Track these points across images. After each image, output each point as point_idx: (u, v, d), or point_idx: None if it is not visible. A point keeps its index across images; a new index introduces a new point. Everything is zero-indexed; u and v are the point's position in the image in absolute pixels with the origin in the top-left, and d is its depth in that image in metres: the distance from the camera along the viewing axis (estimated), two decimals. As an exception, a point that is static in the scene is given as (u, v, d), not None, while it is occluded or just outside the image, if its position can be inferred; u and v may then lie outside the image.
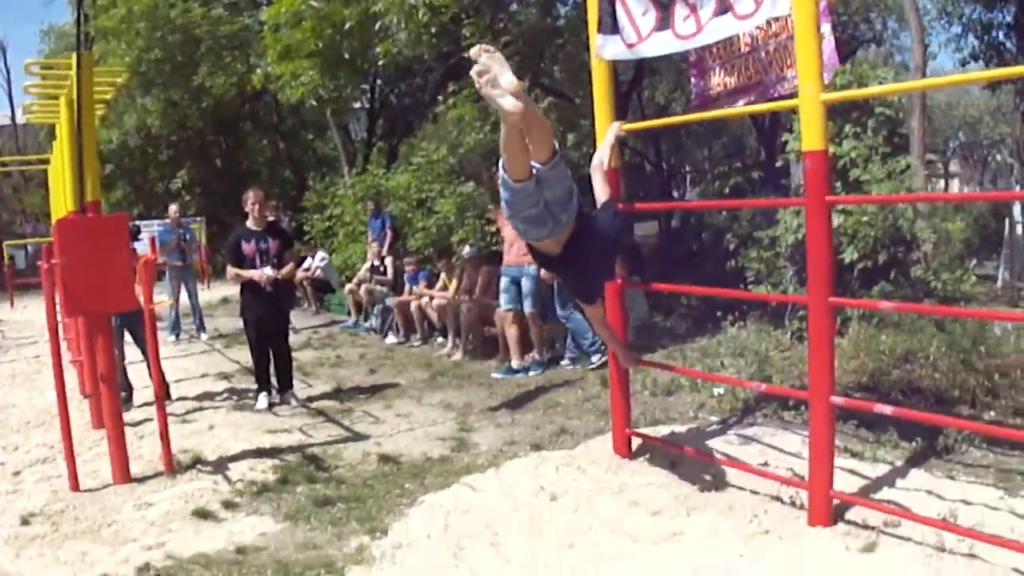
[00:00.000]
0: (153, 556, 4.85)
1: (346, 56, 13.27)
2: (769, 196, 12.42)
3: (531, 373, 9.27)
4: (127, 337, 8.30)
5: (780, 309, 9.57)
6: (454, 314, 10.73)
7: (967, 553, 4.14)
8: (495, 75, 3.98)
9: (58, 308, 6.60)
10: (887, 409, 4.46)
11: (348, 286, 14.06)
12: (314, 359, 10.93)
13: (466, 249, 11.10)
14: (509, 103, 3.97)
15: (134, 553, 4.90)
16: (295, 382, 8.83)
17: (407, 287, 12.33)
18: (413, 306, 11.74)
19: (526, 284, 9.41)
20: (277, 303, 8.61)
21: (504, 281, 9.66)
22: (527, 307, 9.51)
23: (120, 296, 6.17)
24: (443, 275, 11.55)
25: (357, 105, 24.06)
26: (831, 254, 4.64)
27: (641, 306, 10.89)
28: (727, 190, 11.53)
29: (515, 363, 9.48)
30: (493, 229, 11.53)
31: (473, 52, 4.06)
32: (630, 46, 5.61)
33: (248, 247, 8.36)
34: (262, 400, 8.42)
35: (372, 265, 13.65)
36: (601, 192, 5.50)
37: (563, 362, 9.60)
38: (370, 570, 4.57)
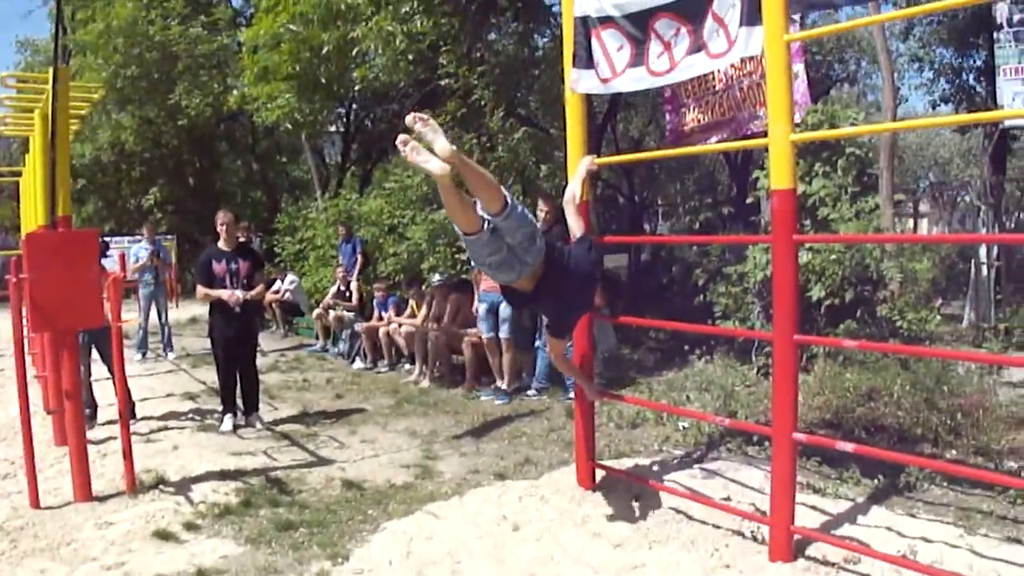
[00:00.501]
0: (112, 575, 4.82)
1: (323, 80, 13.29)
2: (739, 232, 12.56)
3: (500, 401, 9.35)
4: (94, 354, 8.25)
5: (747, 344, 9.64)
6: (422, 341, 10.73)
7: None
8: (429, 142, 4.25)
9: (24, 322, 6.55)
10: (849, 446, 4.52)
11: (316, 311, 14.04)
12: (280, 382, 10.89)
13: (435, 277, 11.13)
14: (435, 166, 4.23)
15: (93, 572, 4.87)
16: (261, 404, 8.80)
17: (376, 313, 12.32)
18: (381, 332, 11.74)
19: (504, 310, 9.49)
20: (246, 324, 8.58)
21: (482, 308, 9.75)
22: (503, 333, 9.59)
23: (88, 313, 6.15)
24: (412, 302, 11.56)
25: (332, 129, 24.13)
26: (797, 292, 4.70)
27: (610, 338, 10.94)
28: (698, 225, 11.66)
29: (504, 385, 9.61)
30: (464, 257, 11.57)
31: (408, 120, 4.28)
32: (604, 81, 5.69)
33: (219, 267, 8.35)
34: (227, 422, 8.37)
35: (339, 289, 13.66)
36: (575, 226, 5.54)
37: (529, 392, 9.61)
38: (331, 596, 4.56)
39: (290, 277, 15.87)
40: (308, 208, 19.14)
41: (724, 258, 10.77)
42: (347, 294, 13.49)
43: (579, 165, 5.80)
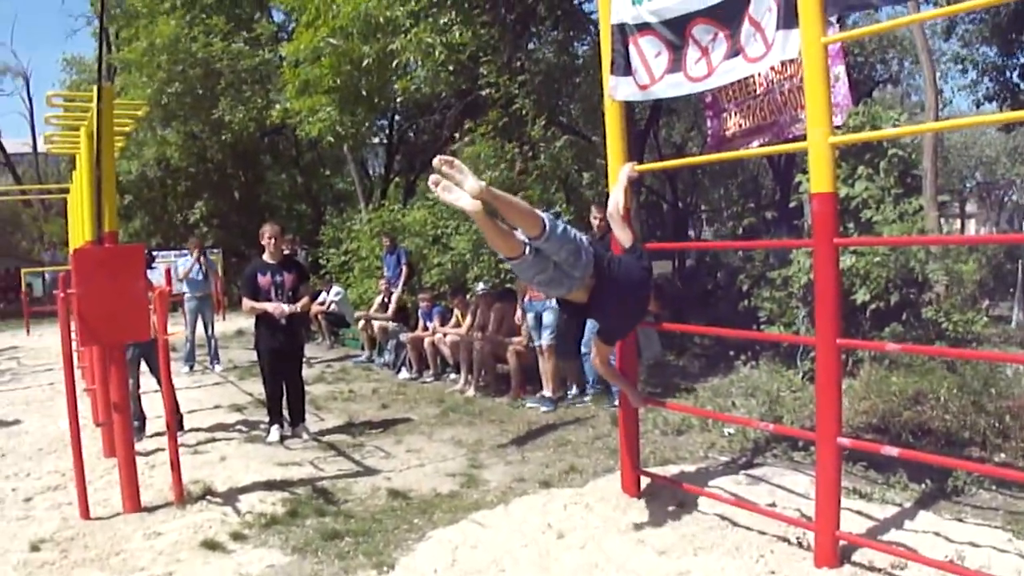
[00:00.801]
0: (161, 585, 4.90)
1: (364, 93, 13.40)
2: (783, 236, 12.47)
3: (545, 408, 9.42)
4: (143, 367, 8.39)
5: (792, 349, 9.59)
6: (467, 350, 10.79)
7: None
8: (458, 181, 4.50)
9: (73, 336, 6.67)
10: (894, 451, 4.48)
11: (360, 322, 14.18)
12: (327, 393, 10.99)
13: (480, 286, 11.19)
14: (467, 203, 4.50)
15: (142, 582, 4.96)
16: (307, 415, 8.89)
17: (421, 323, 12.40)
18: (426, 342, 11.80)
19: (547, 317, 9.57)
20: (291, 336, 8.66)
21: (530, 317, 9.85)
22: (544, 340, 9.63)
23: (135, 326, 6.26)
24: (457, 311, 11.63)
25: (376, 140, 24.34)
26: (839, 296, 4.67)
27: (655, 345, 10.93)
28: (741, 230, 11.61)
29: (549, 393, 9.68)
30: (508, 266, 11.59)
31: (435, 163, 4.49)
32: (643, 88, 5.69)
33: (264, 280, 8.45)
34: (274, 433, 8.46)
35: (382, 301, 13.77)
36: (622, 236, 5.59)
37: (585, 396, 9.69)
38: (376, 605, 4.60)
39: (335, 289, 16.01)
40: (352, 220, 19.32)
41: (768, 263, 10.71)
42: (387, 303, 13.59)
43: (620, 173, 5.82)
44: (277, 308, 8.34)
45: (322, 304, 15.55)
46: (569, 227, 4.91)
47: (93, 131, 6.66)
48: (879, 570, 4.52)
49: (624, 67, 5.74)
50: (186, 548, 5.50)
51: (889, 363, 7.73)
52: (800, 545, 4.94)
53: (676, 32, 5.39)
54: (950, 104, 20.23)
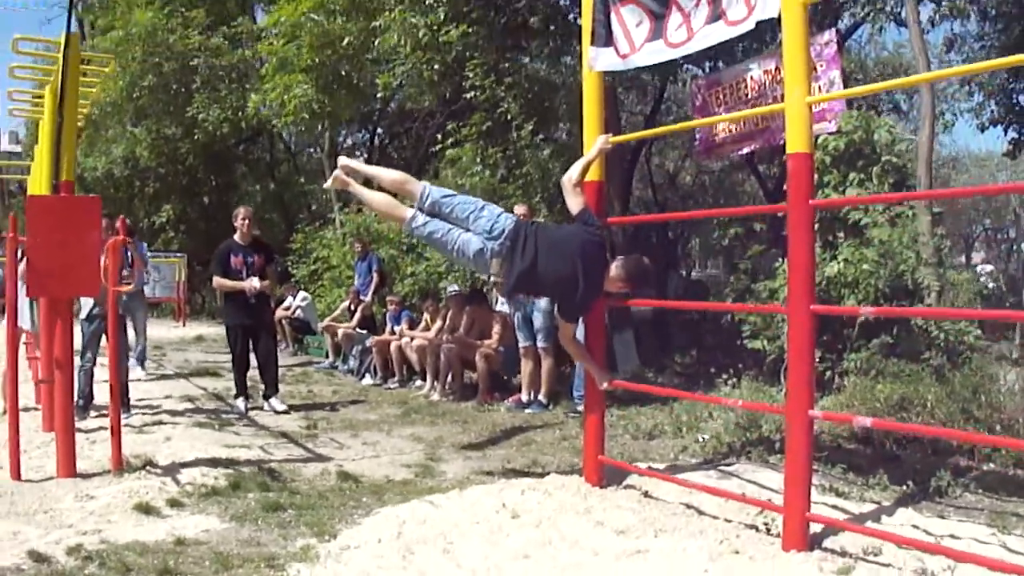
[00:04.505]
0: (87, 540, 4.82)
1: (343, 73, 13.52)
2: (770, 248, 12.44)
3: (531, 410, 9.44)
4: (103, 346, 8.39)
5: (775, 367, 9.56)
6: (434, 355, 10.74)
7: (951, 576, 4.13)
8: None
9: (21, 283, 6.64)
10: (867, 421, 4.48)
11: (323, 323, 14.24)
12: (284, 392, 10.81)
13: (451, 287, 11.16)
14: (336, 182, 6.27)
15: (68, 536, 4.88)
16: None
17: (388, 327, 12.35)
18: (393, 346, 11.73)
19: (537, 319, 9.57)
20: (259, 312, 9.57)
21: (518, 318, 9.87)
22: (540, 342, 9.64)
23: (86, 280, 6.20)
24: (426, 315, 11.59)
25: (357, 154, 24.42)
26: (813, 262, 4.68)
27: (632, 358, 10.88)
28: (727, 241, 11.63)
29: (524, 396, 9.71)
30: (483, 277, 11.59)
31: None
32: (623, 56, 5.73)
33: (235, 260, 9.32)
34: (240, 403, 9.17)
35: (348, 307, 13.77)
36: (572, 204, 5.75)
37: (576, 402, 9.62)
38: (313, 568, 4.52)
39: (301, 294, 16.01)
40: (325, 229, 19.28)
41: (754, 276, 10.71)
42: (353, 312, 13.57)
43: (594, 144, 5.85)
44: (250, 286, 9.12)
45: (287, 309, 15.51)
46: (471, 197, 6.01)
47: (58, 88, 6.65)
48: (851, 555, 4.47)
49: (605, 37, 5.79)
50: (119, 511, 5.44)
51: (876, 374, 7.71)
52: (768, 531, 4.90)
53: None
54: (951, 127, 20.51)
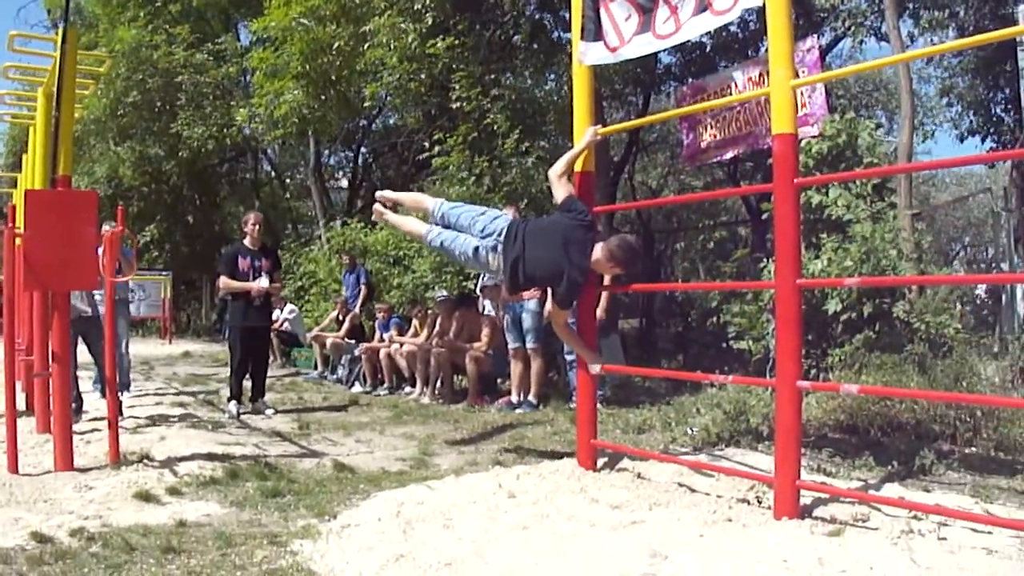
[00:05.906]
0: (89, 523, 4.90)
1: (333, 78, 13.66)
2: (754, 251, 12.61)
3: (522, 410, 9.53)
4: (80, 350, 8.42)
5: (762, 367, 9.68)
6: (424, 361, 10.83)
7: (938, 536, 4.27)
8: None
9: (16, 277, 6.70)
10: (853, 388, 4.61)
11: (311, 334, 14.35)
12: (275, 400, 10.91)
13: (439, 293, 11.27)
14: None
15: (69, 521, 4.95)
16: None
17: (377, 333, 12.44)
18: (382, 354, 11.81)
19: (527, 320, 9.68)
20: (263, 314, 9.94)
21: (507, 320, 9.96)
22: (529, 343, 9.75)
23: (83, 274, 6.30)
24: (415, 321, 11.69)
25: (340, 175, 24.58)
26: (799, 239, 4.83)
27: (618, 358, 10.99)
28: (712, 244, 11.80)
29: (514, 397, 9.83)
30: (471, 284, 11.72)
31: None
32: (612, 50, 5.89)
33: (243, 263, 9.58)
34: (232, 406, 9.23)
35: (337, 317, 13.86)
36: (558, 193, 6.01)
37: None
38: (315, 543, 4.61)
39: (289, 307, 16.09)
40: (311, 244, 19.37)
41: (739, 276, 10.87)
42: (341, 322, 13.66)
43: (584, 135, 6.00)
44: (259, 287, 9.45)
45: (275, 322, 15.56)
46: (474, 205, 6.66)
47: (52, 92, 6.76)
48: (841, 521, 4.60)
49: (595, 32, 5.95)
50: (119, 499, 5.52)
51: (859, 367, 7.84)
52: (760, 503, 5.03)
53: (647, -8, 5.61)
54: (931, 137, 20.82)
